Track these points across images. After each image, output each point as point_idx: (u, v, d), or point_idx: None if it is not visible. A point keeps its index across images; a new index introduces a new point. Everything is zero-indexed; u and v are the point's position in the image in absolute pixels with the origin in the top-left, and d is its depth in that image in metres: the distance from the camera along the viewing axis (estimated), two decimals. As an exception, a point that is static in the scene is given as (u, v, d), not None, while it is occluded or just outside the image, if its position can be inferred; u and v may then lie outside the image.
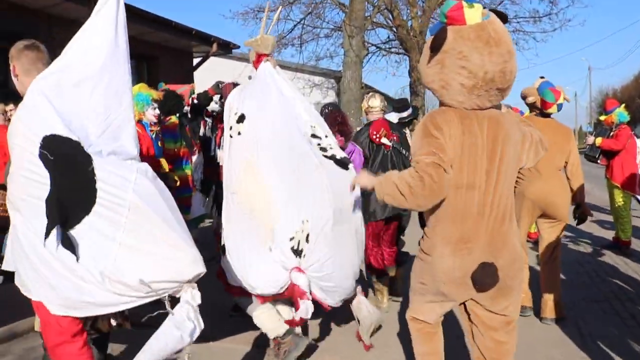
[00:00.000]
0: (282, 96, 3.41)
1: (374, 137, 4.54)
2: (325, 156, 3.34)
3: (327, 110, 4.47)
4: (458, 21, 2.20)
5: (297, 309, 3.17)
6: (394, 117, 5.44)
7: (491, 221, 2.28)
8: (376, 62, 19.27)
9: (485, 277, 2.29)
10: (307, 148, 3.29)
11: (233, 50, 11.99)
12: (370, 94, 4.95)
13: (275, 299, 3.34)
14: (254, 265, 3.18)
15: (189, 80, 10.68)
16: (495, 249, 2.29)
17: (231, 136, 3.36)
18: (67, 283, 2.23)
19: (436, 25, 2.30)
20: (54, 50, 2.55)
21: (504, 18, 2.33)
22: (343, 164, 3.41)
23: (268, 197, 3.15)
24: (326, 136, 3.47)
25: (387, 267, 4.74)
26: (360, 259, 3.57)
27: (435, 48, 2.29)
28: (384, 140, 4.53)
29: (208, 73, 12.05)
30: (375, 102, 4.72)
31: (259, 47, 3.50)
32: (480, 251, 2.28)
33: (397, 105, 5.76)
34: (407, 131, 6.38)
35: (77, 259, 2.19)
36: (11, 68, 2.58)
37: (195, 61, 11.34)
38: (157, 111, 4.75)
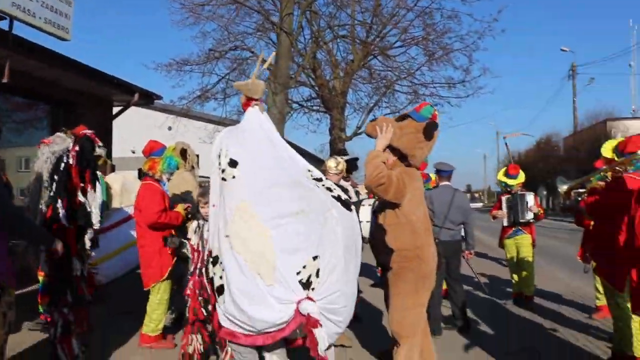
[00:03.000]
0: (272, 141, 3.47)
1: None
2: (333, 196, 3.35)
3: None
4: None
5: (311, 342, 2.99)
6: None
7: None
8: (297, 119, 19.70)
9: None
10: (316, 189, 3.32)
11: (155, 101, 11.88)
12: (330, 157, 5.55)
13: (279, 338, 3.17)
14: (255, 304, 3.04)
15: (108, 128, 10.43)
16: None
17: (224, 179, 3.29)
18: None
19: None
20: None
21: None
22: (347, 205, 3.41)
23: (266, 238, 3.08)
24: (326, 178, 3.57)
25: None
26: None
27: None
28: None
29: (128, 122, 11.83)
30: (330, 163, 5.76)
31: (249, 92, 3.54)
32: None
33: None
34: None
35: None
36: None
37: (116, 110, 11.08)
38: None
